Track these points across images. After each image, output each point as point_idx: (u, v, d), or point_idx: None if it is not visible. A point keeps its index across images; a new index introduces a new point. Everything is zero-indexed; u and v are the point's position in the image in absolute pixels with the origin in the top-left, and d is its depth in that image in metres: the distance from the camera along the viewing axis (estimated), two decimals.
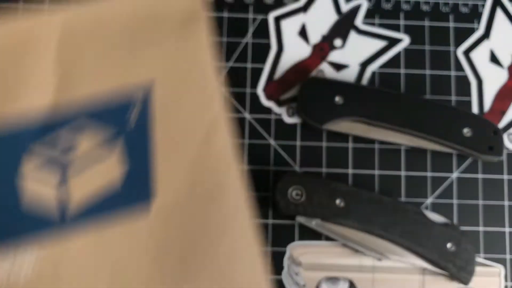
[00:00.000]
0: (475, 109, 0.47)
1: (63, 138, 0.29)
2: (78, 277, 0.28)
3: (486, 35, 0.48)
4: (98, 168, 0.30)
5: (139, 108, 0.31)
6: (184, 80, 0.32)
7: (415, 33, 0.48)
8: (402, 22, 0.48)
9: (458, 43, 0.48)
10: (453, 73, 0.47)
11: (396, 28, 0.48)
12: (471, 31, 0.48)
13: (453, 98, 0.47)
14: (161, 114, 0.31)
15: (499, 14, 0.49)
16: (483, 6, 0.49)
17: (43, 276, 0.27)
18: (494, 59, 0.48)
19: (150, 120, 0.31)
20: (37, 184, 0.28)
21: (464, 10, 0.49)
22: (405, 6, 0.48)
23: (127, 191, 0.31)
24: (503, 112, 0.47)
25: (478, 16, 0.49)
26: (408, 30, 0.48)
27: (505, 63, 0.48)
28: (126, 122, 0.31)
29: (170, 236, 0.31)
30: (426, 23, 0.48)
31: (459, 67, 0.48)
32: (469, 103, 0.47)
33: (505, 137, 0.47)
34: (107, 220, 0.30)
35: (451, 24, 0.48)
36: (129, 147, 0.31)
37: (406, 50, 0.48)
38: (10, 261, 0.27)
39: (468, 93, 0.47)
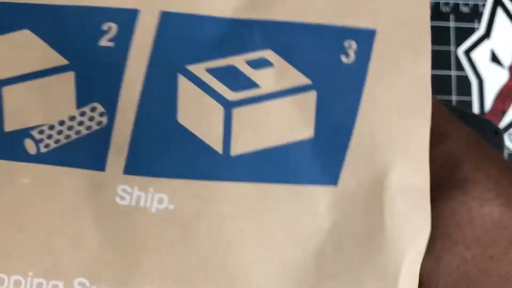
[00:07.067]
0: (475, 109, 0.47)
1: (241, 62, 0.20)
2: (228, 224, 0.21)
3: (487, 35, 0.48)
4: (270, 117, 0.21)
5: (354, 57, 0.21)
6: (404, 34, 0.21)
7: None
8: None
9: (458, 43, 0.48)
10: (453, 73, 0.47)
11: None
12: (472, 31, 0.48)
13: (454, 98, 0.47)
14: (375, 72, 0.21)
15: (500, 14, 0.49)
16: (483, 6, 0.49)
17: (185, 209, 0.20)
18: (494, 59, 0.48)
19: (364, 77, 0.21)
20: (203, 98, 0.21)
21: (464, 10, 0.49)
22: None
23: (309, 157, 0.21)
24: (503, 112, 0.47)
25: (479, 16, 0.49)
26: None
27: (506, 63, 0.48)
28: (332, 70, 0.21)
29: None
30: None
31: (459, 67, 0.48)
32: (469, 103, 0.47)
33: (505, 137, 0.47)
34: (275, 179, 0.21)
35: (452, 24, 0.48)
36: (329, 105, 0.21)
37: None
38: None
39: (468, 93, 0.47)
